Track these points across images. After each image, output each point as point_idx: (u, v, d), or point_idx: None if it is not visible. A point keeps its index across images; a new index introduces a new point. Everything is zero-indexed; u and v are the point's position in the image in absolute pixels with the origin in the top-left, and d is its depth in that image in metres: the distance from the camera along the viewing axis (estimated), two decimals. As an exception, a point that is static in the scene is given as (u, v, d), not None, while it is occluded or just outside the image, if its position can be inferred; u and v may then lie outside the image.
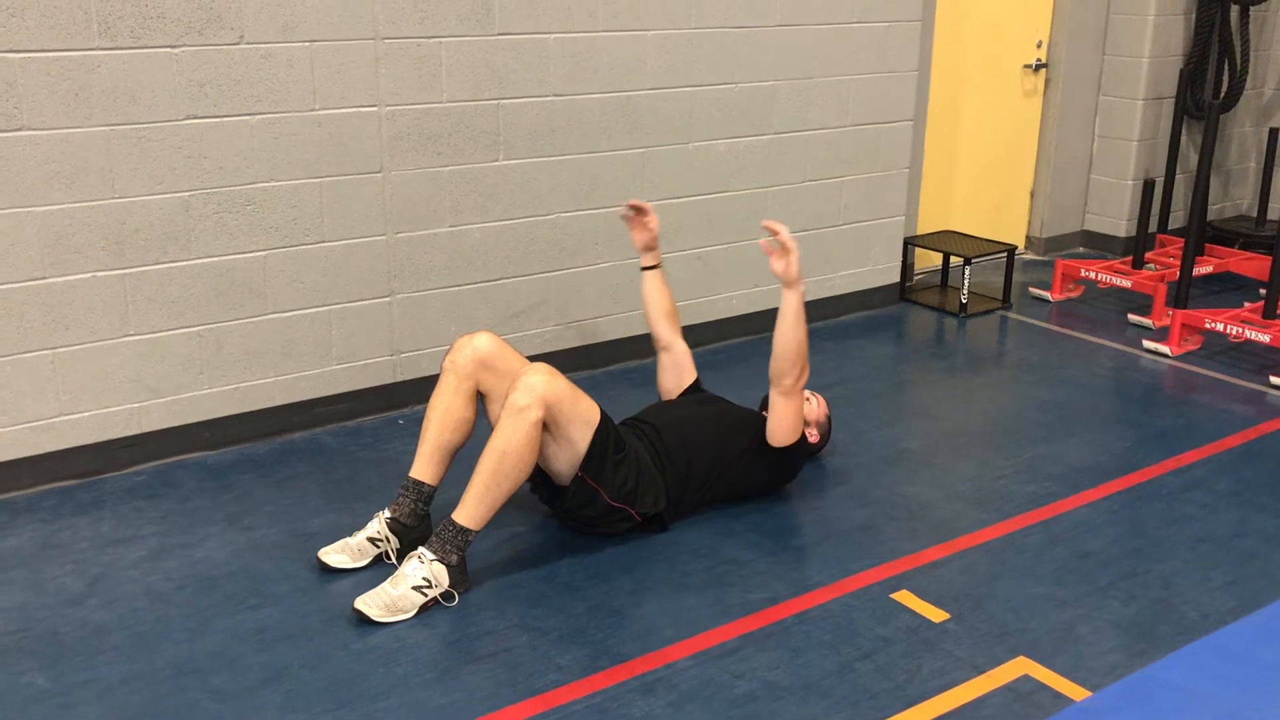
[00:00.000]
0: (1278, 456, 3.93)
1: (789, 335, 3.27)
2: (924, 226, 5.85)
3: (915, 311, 5.49)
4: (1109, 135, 6.28)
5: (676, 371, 3.73)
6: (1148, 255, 5.77)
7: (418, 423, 3.25)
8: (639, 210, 3.69)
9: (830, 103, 4.96)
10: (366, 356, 4.09)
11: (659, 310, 3.74)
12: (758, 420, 3.53)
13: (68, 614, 2.92)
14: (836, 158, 5.07)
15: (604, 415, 3.13)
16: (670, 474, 3.32)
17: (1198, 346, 4.99)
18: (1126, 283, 5.44)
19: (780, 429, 3.38)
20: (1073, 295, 5.72)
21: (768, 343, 4.88)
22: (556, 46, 4.18)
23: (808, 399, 3.71)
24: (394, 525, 3.14)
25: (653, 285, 3.76)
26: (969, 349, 5.13)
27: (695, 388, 3.73)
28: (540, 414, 2.93)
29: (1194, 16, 6.07)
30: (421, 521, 3.18)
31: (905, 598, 3.03)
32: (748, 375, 4.54)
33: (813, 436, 3.67)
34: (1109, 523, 3.47)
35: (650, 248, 3.74)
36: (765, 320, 5.04)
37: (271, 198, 3.76)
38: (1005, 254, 5.57)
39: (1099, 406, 4.40)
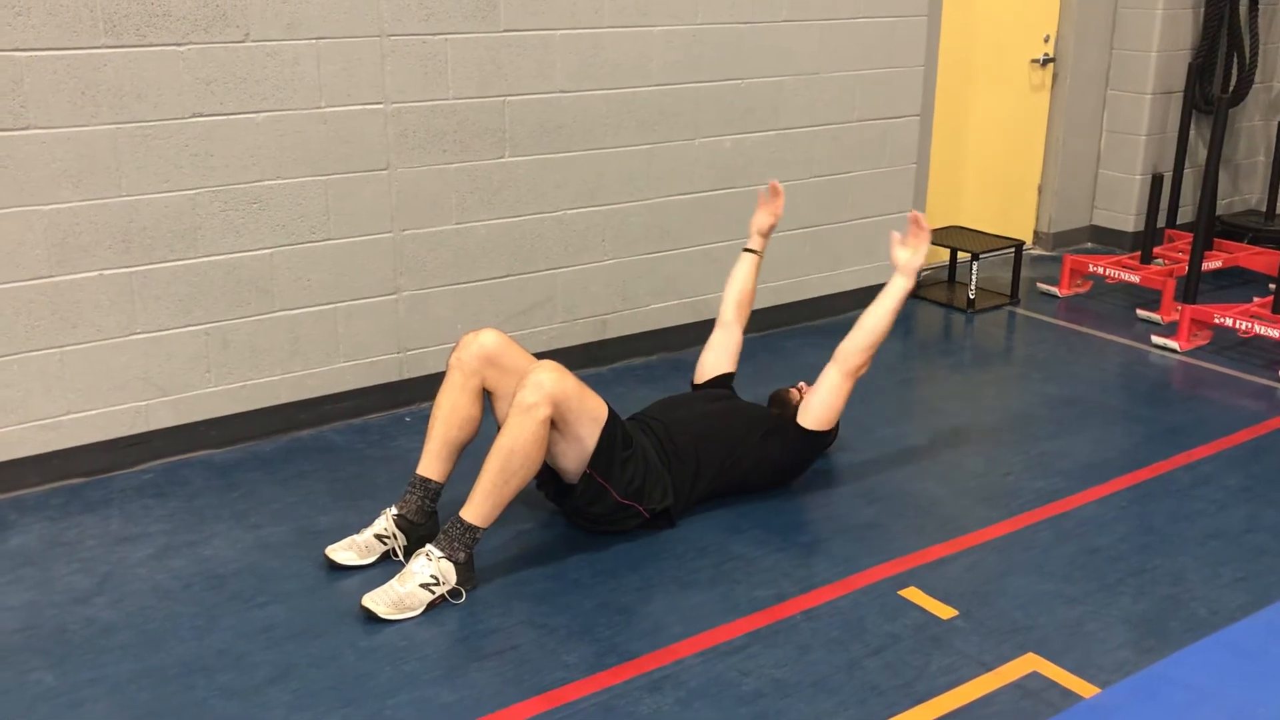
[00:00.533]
0: (1288, 452, 3.92)
1: (881, 320, 3.41)
2: (931, 222, 5.77)
3: (923, 307, 5.48)
4: (1117, 130, 6.26)
5: (722, 354, 3.76)
6: (1156, 250, 5.75)
7: (425, 420, 3.25)
8: (775, 192, 3.80)
9: (837, 98, 4.95)
10: (373, 354, 4.09)
11: (739, 293, 3.80)
12: (767, 416, 3.54)
13: (75, 612, 2.93)
14: (843, 153, 5.05)
15: (612, 412, 3.13)
16: (678, 471, 3.31)
17: (1207, 342, 4.97)
18: (1135, 278, 5.42)
19: (823, 410, 3.44)
20: (1081, 290, 5.71)
21: (774, 339, 4.93)
22: (562, 43, 4.17)
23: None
24: (401, 522, 3.14)
25: (747, 269, 3.82)
26: (977, 345, 5.11)
27: (721, 381, 3.72)
28: (548, 412, 2.93)
29: (1202, 10, 6.04)
30: (429, 519, 3.18)
31: (913, 594, 3.03)
32: (754, 372, 4.53)
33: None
34: (1118, 519, 3.46)
35: (764, 234, 3.81)
36: (771, 316, 5.05)
37: (278, 195, 3.76)
38: (1013, 249, 5.55)
39: (1107, 402, 4.38)
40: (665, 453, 3.31)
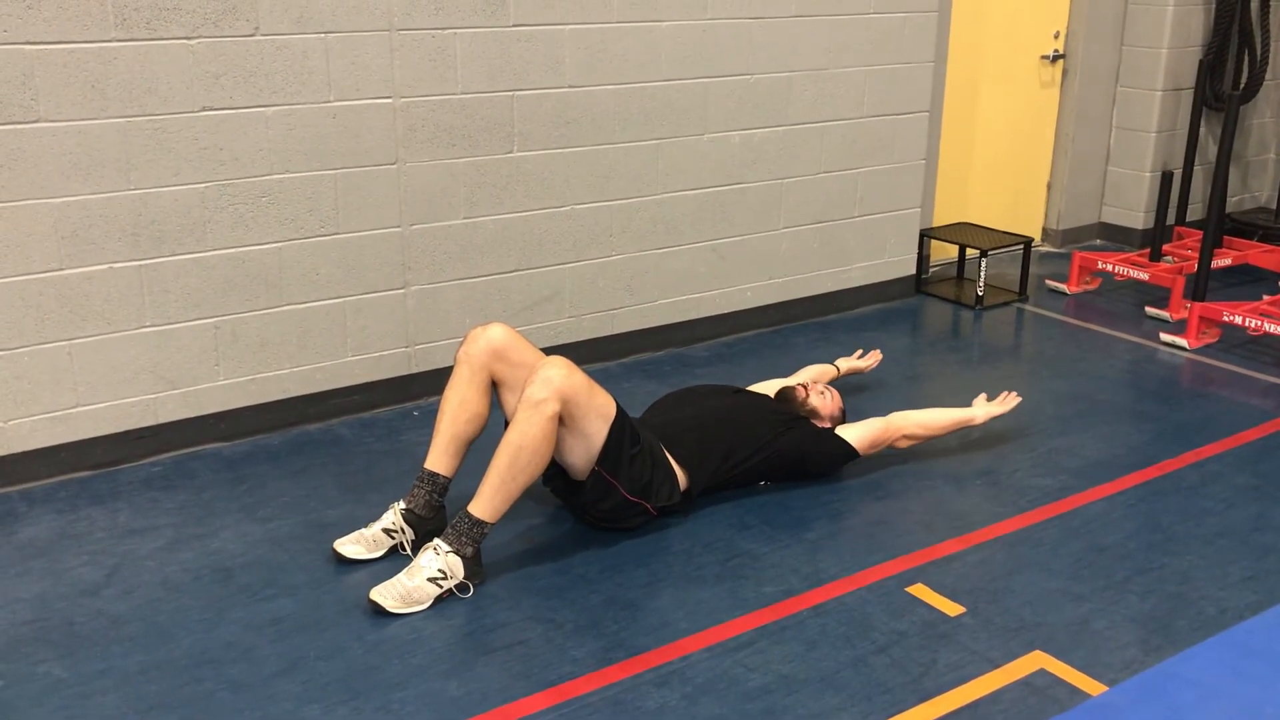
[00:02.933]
0: (1297, 450, 3.91)
1: (941, 421, 3.78)
2: (940, 218, 5.82)
3: (931, 304, 5.47)
4: (1127, 127, 6.24)
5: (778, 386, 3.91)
6: (1165, 248, 5.73)
7: (432, 414, 3.25)
8: (873, 358, 4.32)
9: (846, 94, 4.94)
10: (381, 348, 4.09)
11: (812, 378, 4.06)
12: (779, 410, 3.61)
13: (84, 604, 2.94)
14: (852, 149, 5.05)
15: (620, 409, 3.13)
16: (699, 460, 3.35)
17: (1216, 339, 4.96)
18: (1144, 275, 5.41)
19: (864, 434, 3.63)
20: (1090, 288, 5.69)
21: (781, 335, 4.94)
22: (571, 38, 4.17)
23: (822, 393, 3.75)
24: (409, 516, 3.15)
25: (824, 368, 4.19)
26: (985, 342, 5.10)
27: (748, 391, 3.78)
28: (557, 408, 2.93)
29: (1213, 6, 6.02)
30: (437, 513, 3.18)
31: (920, 591, 3.03)
32: (760, 367, 4.54)
33: (825, 427, 3.69)
34: (1126, 517, 3.45)
35: (849, 372, 4.27)
36: (779, 312, 5.05)
37: (286, 189, 3.76)
38: (1022, 246, 5.54)
39: (1116, 400, 4.37)
40: (682, 445, 3.33)
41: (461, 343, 3.23)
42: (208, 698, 2.58)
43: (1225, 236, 5.89)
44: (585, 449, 3.07)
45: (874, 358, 4.32)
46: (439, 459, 3.16)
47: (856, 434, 3.62)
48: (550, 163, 4.25)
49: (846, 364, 4.27)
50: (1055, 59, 6.05)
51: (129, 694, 2.59)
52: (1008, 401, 3.88)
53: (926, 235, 5.56)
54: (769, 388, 3.87)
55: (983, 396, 3.92)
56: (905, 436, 3.72)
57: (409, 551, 3.11)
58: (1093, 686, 2.65)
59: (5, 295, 3.41)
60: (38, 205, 3.39)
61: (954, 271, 5.84)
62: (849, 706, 2.57)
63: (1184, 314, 5.15)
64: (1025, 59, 5.98)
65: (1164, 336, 4.97)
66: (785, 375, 4.21)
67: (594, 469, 3.10)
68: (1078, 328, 5.18)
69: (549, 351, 3.22)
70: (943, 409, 3.83)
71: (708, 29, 4.48)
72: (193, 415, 3.78)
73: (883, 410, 4.13)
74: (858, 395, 4.26)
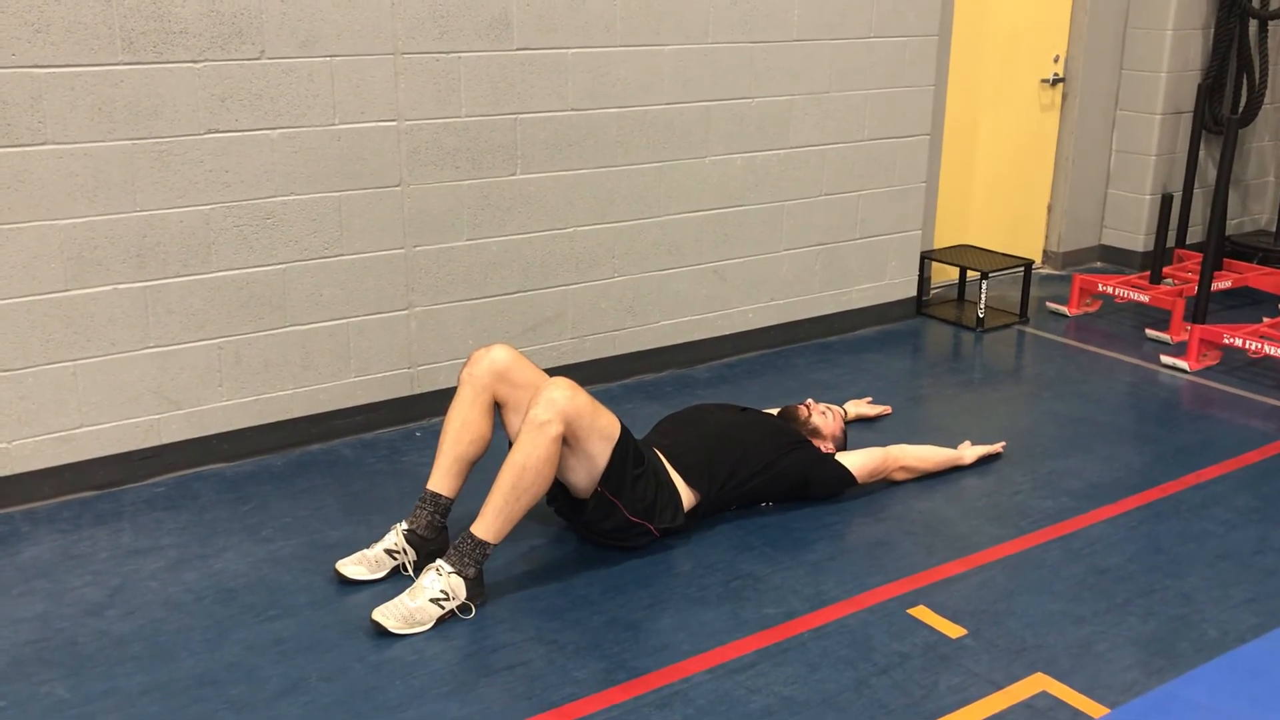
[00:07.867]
0: (1297, 473, 3.92)
1: (933, 459, 3.83)
2: (940, 241, 5.84)
3: (932, 326, 5.49)
4: (1127, 150, 6.27)
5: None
6: (1166, 270, 5.75)
7: (435, 435, 3.26)
8: (880, 411, 4.37)
9: (847, 117, 4.97)
10: (384, 369, 4.10)
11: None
12: (788, 430, 3.63)
13: (87, 624, 2.94)
14: (853, 172, 5.07)
15: (624, 430, 3.14)
16: (707, 477, 3.36)
17: (1216, 362, 4.97)
18: (1144, 298, 5.42)
19: (862, 462, 3.67)
20: (1090, 310, 5.71)
21: (782, 356, 4.95)
22: (574, 61, 4.20)
23: (824, 413, 3.77)
24: (411, 537, 3.15)
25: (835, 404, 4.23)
26: (986, 363, 5.11)
27: (754, 410, 3.82)
28: (561, 429, 2.94)
29: (1212, 31, 6.06)
30: (439, 534, 3.19)
31: (922, 613, 3.03)
32: (762, 389, 4.56)
33: (826, 448, 3.70)
34: (1127, 539, 3.45)
35: (855, 417, 4.29)
36: (780, 334, 5.07)
37: (291, 211, 3.78)
38: (1022, 268, 5.56)
39: (1117, 422, 4.38)
40: (689, 462, 3.35)
41: (464, 364, 3.24)
42: (210, 718, 2.58)
43: (1225, 259, 5.91)
44: (588, 469, 3.08)
45: (883, 409, 4.36)
46: (441, 480, 3.17)
47: (856, 462, 3.64)
48: (553, 185, 4.28)
49: (855, 409, 4.30)
50: (1055, 82, 6.09)
51: (131, 714, 2.59)
52: (995, 446, 3.99)
53: (927, 257, 5.58)
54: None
55: (968, 442, 3.99)
56: (902, 469, 3.75)
57: (411, 572, 3.12)
58: (1094, 709, 2.65)
59: (11, 316, 3.43)
60: (44, 226, 3.41)
61: (955, 293, 5.85)
62: (851, 728, 2.57)
63: (1184, 336, 5.16)
64: (1025, 82, 6.02)
65: (1164, 359, 4.98)
66: (787, 399, 4.23)
67: (596, 489, 3.11)
68: (1078, 350, 5.19)
69: (552, 372, 3.23)
70: (937, 448, 3.87)
71: (709, 53, 4.52)
72: (196, 436, 3.79)
73: (883, 435, 4.15)
74: (859, 420, 4.27)
